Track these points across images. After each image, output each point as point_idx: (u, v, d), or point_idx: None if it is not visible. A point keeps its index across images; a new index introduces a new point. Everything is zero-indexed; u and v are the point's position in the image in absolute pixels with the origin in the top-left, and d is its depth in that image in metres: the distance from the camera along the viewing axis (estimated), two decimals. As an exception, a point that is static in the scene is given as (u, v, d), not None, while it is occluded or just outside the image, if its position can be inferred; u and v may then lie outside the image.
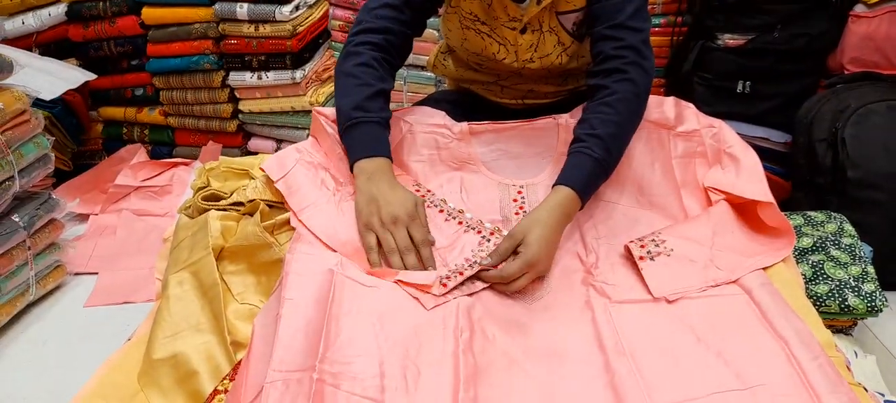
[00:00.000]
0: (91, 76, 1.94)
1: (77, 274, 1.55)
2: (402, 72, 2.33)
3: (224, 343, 0.94)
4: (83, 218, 1.84)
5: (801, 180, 1.62)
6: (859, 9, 1.66)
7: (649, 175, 1.11)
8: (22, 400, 1.13)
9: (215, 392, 0.86)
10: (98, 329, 1.34)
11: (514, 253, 0.94)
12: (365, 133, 1.04)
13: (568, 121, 1.15)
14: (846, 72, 1.69)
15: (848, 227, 1.24)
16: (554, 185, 0.99)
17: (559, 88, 1.29)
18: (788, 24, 1.71)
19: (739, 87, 1.78)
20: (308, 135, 1.24)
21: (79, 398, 0.98)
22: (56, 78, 1.72)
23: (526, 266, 0.92)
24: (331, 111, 1.13)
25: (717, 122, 1.15)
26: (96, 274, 1.54)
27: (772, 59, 1.75)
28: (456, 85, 1.43)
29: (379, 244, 0.97)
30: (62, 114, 2.05)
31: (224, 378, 0.89)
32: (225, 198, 1.15)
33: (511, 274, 0.92)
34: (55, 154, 1.49)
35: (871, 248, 1.24)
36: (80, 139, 2.19)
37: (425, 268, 0.95)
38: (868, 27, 1.64)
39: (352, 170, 1.04)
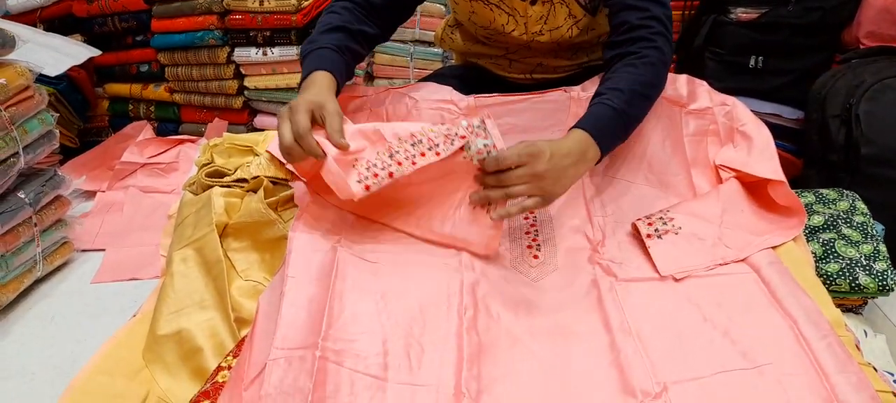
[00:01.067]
0: (96, 52, 1.92)
1: (84, 250, 1.55)
2: (408, 47, 2.31)
3: (228, 319, 0.94)
4: (90, 194, 1.84)
5: (814, 157, 1.59)
6: (877, -19, 1.62)
7: (660, 152, 1.09)
8: (29, 376, 1.14)
9: (219, 368, 0.86)
10: (105, 305, 1.35)
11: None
12: (310, 60, 1.01)
13: (580, 94, 1.12)
14: (862, 47, 1.65)
15: (860, 205, 1.22)
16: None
17: (569, 62, 1.27)
18: (803, -4, 1.68)
19: (752, 62, 1.75)
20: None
21: (84, 374, 0.98)
22: (60, 54, 1.71)
23: (527, 157, 0.87)
24: None
25: (731, 100, 1.13)
26: (103, 250, 1.55)
27: (785, 34, 1.71)
28: (463, 59, 1.41)
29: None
30: (68, 90, 2.04)
31: (228, 355, 0.89)
32: (229, 175, 1.15)
33: (506, 158, 0.87)
34: (61, 131, 1.48)
35: (883, 227, 1.22)
36: (85, 116, 2.19)
37: (322, 152, 0.87)
38: (886, 0, 1.60)
39: None
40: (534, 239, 1.00)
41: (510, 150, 0.88)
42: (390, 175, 0.87)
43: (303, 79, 1.00)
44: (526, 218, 1.03)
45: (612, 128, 0.97)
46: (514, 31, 1.17)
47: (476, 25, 1.22)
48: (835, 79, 1.55)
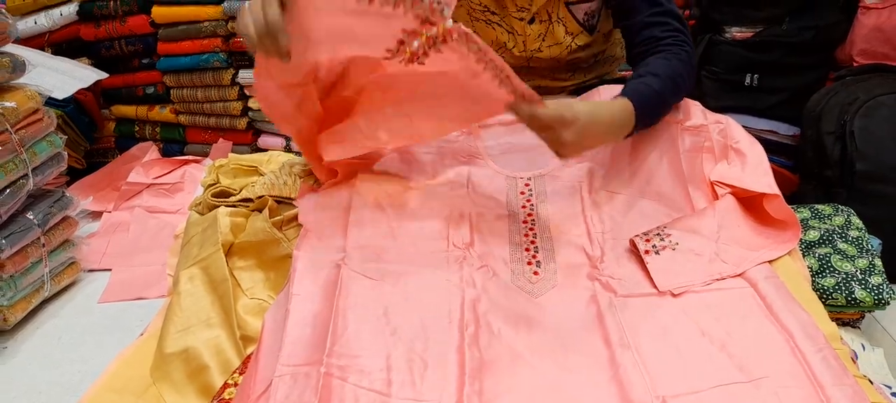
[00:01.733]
0: (103, 75, 1.96)
1: (91, 270, 1.57)
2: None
3: (233, 337, 0.95)
4: (96, 215, 1.87)
5: (810, 173, 1.61)
6: (869, 0, 1.65)
7: (657, 167, 1.10)
8: (37, 395, 1.16)
9: (225, 385, 0.88)
10: (112, 324, 1.36)
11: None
12: None
13: None
14: (855, 65, 1.68)
15: (855, 220, 1.23)
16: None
17: (567, 83, 1.29)
18: (797, 16, 1.71)
19: (747, 81, 1.77)
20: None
21: (92, 392, 0.99)
22: (68, 77, 1.74)
23: (556, 122, 0.88)
24: None
25: (724, 118, 1.14)
26: (110, 270, 1.57)
27: (780, 52, 1.74)
28: (463, 82, 1.44)
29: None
30: (75, 112, 2.08)
31: (234, 372, 0.90)
32: (234, 195, 1.17)
33: (538, 116, 0.87)
34: (68, 152, 1.51)
35: (879, 241, 1.24)
36: (92, 137, 2.22)
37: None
38: (878, 19, 1.63)
39: None
40: (534, 256, 1.01)
41: (544, 111, 0.88)
42: None
43: None
44: (526, 236, 1.05)
45: (651, 108, 0.98)
46: (513, 48, 1.20)
47: None
48: (829, 97, 1.57)
